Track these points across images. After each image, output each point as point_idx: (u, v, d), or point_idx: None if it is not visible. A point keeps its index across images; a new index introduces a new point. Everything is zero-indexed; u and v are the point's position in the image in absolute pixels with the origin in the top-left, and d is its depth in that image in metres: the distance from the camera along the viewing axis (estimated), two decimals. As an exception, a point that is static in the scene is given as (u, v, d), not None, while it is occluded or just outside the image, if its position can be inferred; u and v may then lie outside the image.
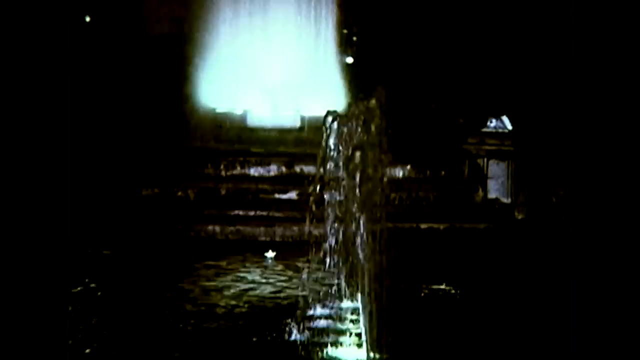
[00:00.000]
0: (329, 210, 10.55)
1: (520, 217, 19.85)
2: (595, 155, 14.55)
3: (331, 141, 10.40)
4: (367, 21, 28.31)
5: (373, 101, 10.04)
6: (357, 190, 9.66)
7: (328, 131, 10.41)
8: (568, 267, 11.72)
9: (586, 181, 14.42)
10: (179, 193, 17.40)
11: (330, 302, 10.59)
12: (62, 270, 10.46)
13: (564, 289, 10.96)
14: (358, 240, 9.66)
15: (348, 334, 9.61)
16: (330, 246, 10.42)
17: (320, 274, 10.82)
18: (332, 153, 10.38)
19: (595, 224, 12.98)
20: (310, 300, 10.55)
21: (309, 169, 16.22)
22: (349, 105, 10.93)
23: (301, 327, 9.77)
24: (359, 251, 9.56)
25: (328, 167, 10.47)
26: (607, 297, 10.24)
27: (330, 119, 10.47)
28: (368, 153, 9.43)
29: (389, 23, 27.67)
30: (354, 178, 9.62)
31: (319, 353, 9.02)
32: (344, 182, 9.97)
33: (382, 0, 27.98)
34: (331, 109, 10.80)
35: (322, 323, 10.07)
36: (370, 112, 9.84)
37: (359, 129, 9.80)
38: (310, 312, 10.36)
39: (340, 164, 10.08)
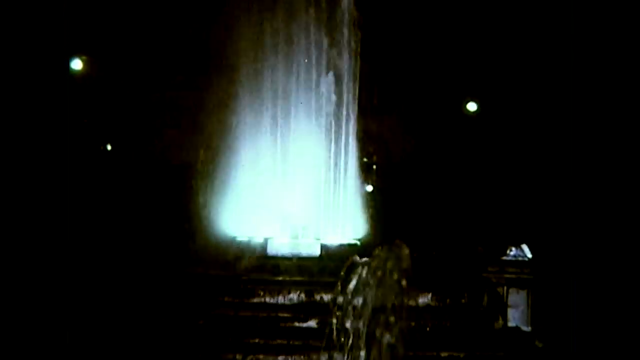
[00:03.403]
0: (349, 338, 10.57)
1: (540, 345, 19.71)
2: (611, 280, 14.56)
3: (352, 285, 10.48)
4: (386, 150, 28.64)
5: (391, 262, 10.15)
6: (378, 319, 9.71)
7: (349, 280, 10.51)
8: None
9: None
10: (199, 321, 17.41)
11: None
12: None
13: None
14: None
15: None
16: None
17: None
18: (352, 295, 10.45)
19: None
20: None
21: (329, 297, 16.23)
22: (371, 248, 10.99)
23: None
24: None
25: (348, 296, 10.54)
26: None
27: (351, 270, 10.58)
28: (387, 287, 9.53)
29: (407, 153, 27.97)
30: (375, 307, 9.68)
31: None
32: (364, 311, 10.02)
33: (401, 131, 28.36)
34: (352, 240, 10.95)
35: None
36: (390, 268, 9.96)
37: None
38: None
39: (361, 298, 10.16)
